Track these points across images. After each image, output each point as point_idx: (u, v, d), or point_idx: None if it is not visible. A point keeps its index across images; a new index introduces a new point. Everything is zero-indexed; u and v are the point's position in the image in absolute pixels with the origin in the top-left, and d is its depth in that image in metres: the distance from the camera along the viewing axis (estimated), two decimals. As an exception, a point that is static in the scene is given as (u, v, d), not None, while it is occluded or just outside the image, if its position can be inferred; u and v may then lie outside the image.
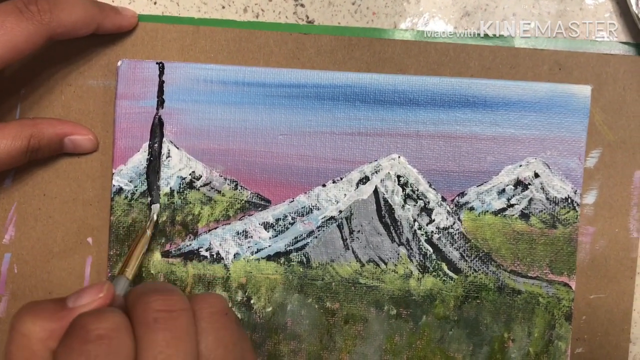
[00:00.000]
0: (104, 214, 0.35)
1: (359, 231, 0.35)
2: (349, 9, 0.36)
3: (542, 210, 0.35)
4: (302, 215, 0.35)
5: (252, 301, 0.35)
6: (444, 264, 0.35)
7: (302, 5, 0.36)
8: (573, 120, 0.35)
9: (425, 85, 0.35)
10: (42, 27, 0.30)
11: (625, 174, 0.35)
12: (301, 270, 0.35)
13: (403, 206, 0.35)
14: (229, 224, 0.35)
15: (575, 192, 0.35)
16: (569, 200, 0.35)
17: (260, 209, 0.35)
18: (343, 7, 0.36)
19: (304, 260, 0.35)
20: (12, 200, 0.36)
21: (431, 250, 0.35)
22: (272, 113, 0.35)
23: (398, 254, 0.35)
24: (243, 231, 0.35)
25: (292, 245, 0.35)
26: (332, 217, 0.35)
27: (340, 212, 0.35)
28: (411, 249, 0.35)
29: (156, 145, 0.35)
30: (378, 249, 0.35)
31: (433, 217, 0.35)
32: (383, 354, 0.35)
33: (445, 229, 0.35)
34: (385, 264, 0.35)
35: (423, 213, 0.35)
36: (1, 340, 0.34)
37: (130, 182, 0.35)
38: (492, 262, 0.35)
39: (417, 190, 0.35)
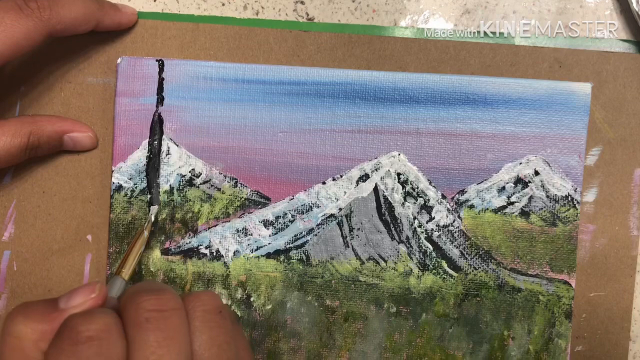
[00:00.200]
0: (103, 211, 0.35)
1: (358, 229, 0.35)
2: (349, 7, 0.36)
3: (542, 208, 0.35)
4: (302, 213, 0.35)
5: (251, 299, 0.35)
6: (444, 261, 0.35)
7: (302, 3, 0.36)
8: (573, 118, 0.34)
9: (425, 83, 0.35)
10: (41, 23, 0.30)
11: (625, 171, 0.35)
12: (301, 268, 0.35)
13: (403, 204, 0.35)
14: (229, 221, 0.35)
15: (575, 190, 0.35)
16: (569, 198, 0.35)
17: (260, 206, 0.35)
18: (343, 4, 0.36)
19: (304, 257, 0.35)
20: (12, 198, 0.36)
21: (431, 248, 0.35)
22: (272, 110, 0.35)
23: (398, 252, 0.35)
24: (243, 229, 0.35)
25: (292, 243, 0.35)
26: (332, 215, 0.35)
27: (340, 209, 0.35)
28: (411, 246, 0.35)
29: (156, 142, 0.35)
30: (378, 246, 0.35)
31: (433, 214, 0.35)
32: (383, 351, 0.35)
33: (445, 226, 0.35)
34: (385, 261, 0.35)
35: (423, 211, 0.35)
36: (0, 337, 0.34)
37: (130, 179, 0.35)
38: (492, 260, 0.35)
39: (417, 187, 0.35)
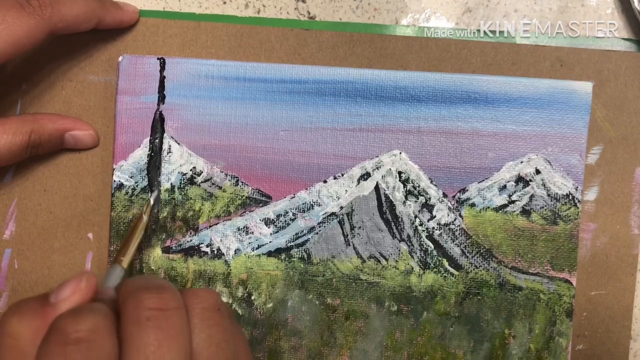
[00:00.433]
0: (104, 209, 0.35)
1: (360, 227, 0.35)
2: (350, 5, 0.36)
3: (543, 207, 0.35)
4: (303, 211, 0.35)
5: (252, 297, 0.35)
6: (445, 260, 0.35)
7: (304, 1, 0.36)
8: (574, 117, 0.34)
9: (426, 81, 0.35)
10: (43, 21, 0.30)
11: (626, 170, 0.35)
12: (302, 266, 0.35)
13: (404, 202, 0.35)
14: (230, 219, 0.35)
15: (576, 189, 0.35)
16: (570, 197, 0.35)
17: (261, 204, 0.35)
18: (344, 2, 0.36)
19: (305, 256, 0.35)
20: (13, 196, 0.36)
21: (432, 247, 0.35)
22: (273, 109, 0.35)
23: (399, 250, 0.35)
24: (244, 227, 0.35)
25: (293, 241, 0.35)
26: (333, 213, 0.35)
27: (341, 208, 0.35)
28: (412, 245, 0.35)
29: (157, 140, 0.35)
30: (379, 245, 0.35)
31: (434, 213, 0.35)
32: (384, 350, 0.35)
33: (446, 225, 0.35)
34: (386, 260, 0.35)
35: (424, 209, 0.35)
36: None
37: (131, 177, 0.35)
38: (493, 259, 0.35)
39: (419, 186, 0.35)
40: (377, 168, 0.35)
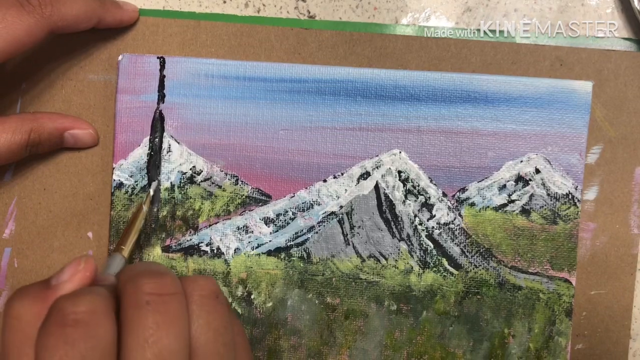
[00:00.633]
0: (104, 208, 0.35)
1: (359, 226, 0.35)
2: (350, 4, 0.36)
3: (542, 206, 0.35)
4: (303, 211, 0.35)
5: (252, 296, 0.35)
6: (444, 259, 0.35)
7: (304, 0, 0.36)
8: (574, 116, 0.35)
9: (426, 81, 0.35)
10: (43, 20, 0.30)
11: (626, 170, 0.35)
12: (302, 265, 0.35)
13: (404, 202, 0.35)
14: (230, 219, 0.35)
15: (576, 188, 0.35)
16: (570, 196, 0.35)
17: (260, 204, 0.35)
18: (344, 2, 0.36)
19: (305, 255, 0.35)
20: (13, 195, 0.36)
21: (432, 246, 0.35)
22: (273, 108, 0.35)
23: (399, 250, 0.35)
24: (244, 226, 0.35)
25: (293, 241, 0.35)
26: (332, 213, 0.35)
27: (341, 207, 0.35)
28: (412, 244, 0.35)
29: (157, 139, 0.35)
30: (379, 244, 0.35)
31: (434, 212, 0.35)
32: (383, 349, 0.35)
33: (446, 224, 0.35)
34: (386, 259, 0.35)
35: (424, 208, 0.35)
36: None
37: (131, 176, 0.35)
38: (493, 258, 0.35)
39: (418, 185, 0.35)
40: (377, 167, 0.35)
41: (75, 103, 0.35)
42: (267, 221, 0.35)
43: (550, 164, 0.35)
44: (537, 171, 0.35)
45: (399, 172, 0.35)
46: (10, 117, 0.33)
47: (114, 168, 0.35)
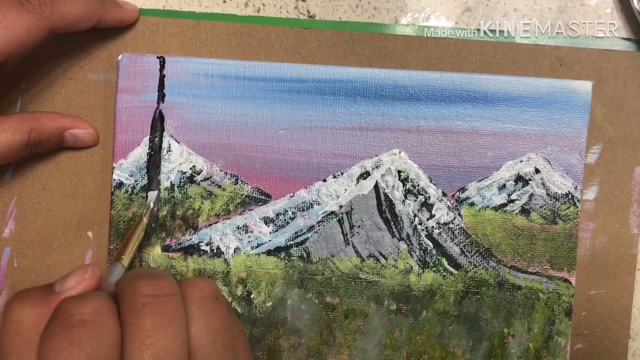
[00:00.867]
0: (104, 208, 0.35)
1: (359, 226, 0.35)
2: (350, 4, 0.36)
3: (542, 206, 0.35)
4: (303, 210, 0.35)
5: (252, 296, 0.35)
6: (444, 259, 0.35)
7: (303, 0, 0.36)
8: (574, 116, 0.35)
9: (426, 81, 0.35)
10: (43, 20, 0.30)
11: (625, 170, 0.35)
12: (301, 265, 0.35)
13: (403, 201, 0.35)
14: (230, 218, 0.35)
15: (575, 188, 0.35)
16: (570, 196, 0.35)
17: (260, 203, 0.35)
18: (344, 2, 0.36)
19: (304, 255, 0.35)
20: (12, 194, 0.36)
21: (431, 246, 0.35)
22: (273, 108, 0.35)
23: (398, 249, 0.35)
24: (243, 226, 0.35)
25: (293, 240, 0.35)
26: (332, 212, 0.35)
27: (341, 207, 0.35)
28: (411, 244, 0.35)
29: (157, 139, 0.35)
30: (378, 244, 0.35)
31: (433, 212, 0.35)
32: (383, 349, 0.35)
33: (445, 224, 0.35)
34: (386, 259, 0.35)
35: (423, 208, 0.35)
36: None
37: (131, 176, 0.35)
38: (493, 258, 0.35)
39: (418, 185, 0.35)
40: (377, 167, 0.35)
41: (75, 102, 0.35)
42: (266, 221, 0.35)
43: (550, 163, 0.35)
44: (537, 171, 0.35)
45: (399, 171, 0.35)
46: (10, 116, 0.33)
47: (113, 167, 0.35)
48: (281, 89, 0.35)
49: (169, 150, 0.35)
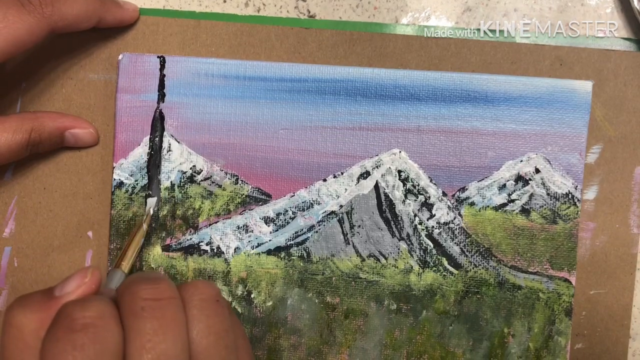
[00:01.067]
0: (104, 207, 0.35)
1: (359, 226, 0.35)
2: (351, 4, 0.36)
3: (542, 206, 0.35)
4: (303, 210, 0.35)
5: (252, 295, 0.35)
6: (444, 259, 0.35)
7: (304, 0, 0.36)
8: (574, 116, 0.35)
9: (426, 80, 0.35)
10: (43, 20, 0.30)
11: (625, 169, 0.35)
12: (302, 264, 0.35)
13: (404, 201, 0.35)
14: (230, 218, 0.35)
15: (575, 188, 0.35)
16: (570, 196, 0.35)
17: (260, 203, 0.35)
18: (344, 1, 0.36)
19: (305, 254, 0.35)
20: (13, 194, 0.36)
21: (432, 245, 0.35)
22: (273, 107, 0.35)
23: (398, 249, 0.35)
24: (244, 225, 0.35)
25: (293, 240, 0.35)
26: (332, 212, 0.35)
27: (341, 206, 0.35)
28: (412, 243, 0.35)
29: (157, 139, 0.35)
30: (378, 243, 0.35)
31: (434, 212, 0.35)
32: (383, 348, 0.35)
33: (445, 224, 0.35)
34: (386, 258, 0.35)
35: (424, 208, 0.35)
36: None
37: (131, 175, 0.35)
38: (493, 258, 0.35)
39: (418, 185, 0.35)
40: (377, 167, 0.35)
41: (76, 102, 0.35)
42: (267, 220, 0.35)
43: (550, 163, 0.35)
44: (537, 171, 0.35)
45: (399, 171, 0.35)
46: (11, 116, 0.33)
47: (114, 167, 0.35)
48: (281, 89, 0.35)
49: (169, 150, 0.35)
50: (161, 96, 0.35)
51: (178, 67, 0.35)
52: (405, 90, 0.35)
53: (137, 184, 0.35)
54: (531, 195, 0.35)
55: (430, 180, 0.35)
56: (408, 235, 0.35)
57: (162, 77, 0.35)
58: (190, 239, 0.35)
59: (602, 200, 0.35)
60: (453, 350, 0.35)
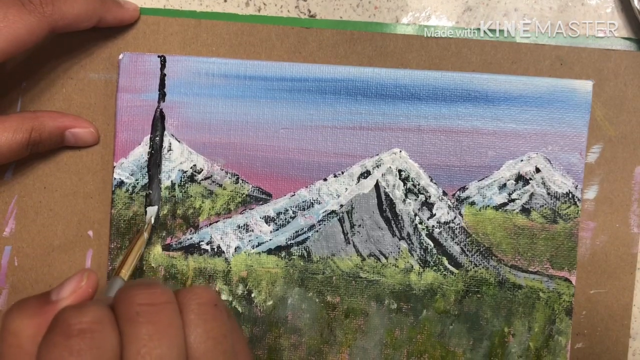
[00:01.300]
0: (104, 207, 0.35)
1: (360, 225, 0.35)
2: (351, 3, 0.36)
3: (543, 205, 0.35)
4: (303, 209, 0.35)
5: (252, 295, 0.35)
6: (444, 258, 0.35)
7: (304, 0, 0.36)
8: (574, 116, 0.35)
9: (426, 80, 0.35)
10: (44, 19, 0.30)
11: (626, 169, 0.35)
12: (302, 264, 0.35)
13: (404, 200, 0.35)
14: (230, 217, 0.35)
15: (576, 187, 0.35)
16: (570, 195, 0.35)
17: (261, 202, 0.35)
18: (345, 1, 0.36)
19: (305, 254, 0.35)
20: (13, 193, 0.36)
21: (432, 245, 0.35)
22: (274, 107, 0.35)
23: (399, 248, 0.35)
24: (244, 225, 0.35)
25: (293, 239, 0.35)
26: (333, 211, 0.35)
27: (342, 206, 0.35)
28: (412, 243, 0.35)
29: (157, 138, 0.35)
30: (379, 243, 0.35)
31: (434, 211, 0.35)
32: (383, 348, 0.35)
33: (446, 223, 0.35)
34: (386, 258, 0.35)
35: (424, 207, 0.35)
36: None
37: (132, 175, 0.35)
38: (493, 257, 0.35)
39: (418, 184, 0.35)
40: (377, 166, 0.35)
41: (76, 102, 0.35)
42: (267, 220, 0.35)
43: (551, 163, 0.35)
44: (537, 170, 0.35)
45: (399, 171, 0.35)
46: (11, 116, 0.33)
47: (114, 166, 0.35)
48: (282, 88, 0.35)
49: (170, 149, 0.35)
50: (162, 95, 0.35)
51: (178, 67, 0.35)
52: (405, 90, 0.35)
53: (137, 183, 0.35)
54: (531, 195, 0.35)
55: (431, 180, 0.35)
56: (408, 234, 0.35)
57: (162, 77, 0.35)
58: (191, 238, 0.35)
59: (602, 200, 0.35)
60: (453, 349, 0.35)
